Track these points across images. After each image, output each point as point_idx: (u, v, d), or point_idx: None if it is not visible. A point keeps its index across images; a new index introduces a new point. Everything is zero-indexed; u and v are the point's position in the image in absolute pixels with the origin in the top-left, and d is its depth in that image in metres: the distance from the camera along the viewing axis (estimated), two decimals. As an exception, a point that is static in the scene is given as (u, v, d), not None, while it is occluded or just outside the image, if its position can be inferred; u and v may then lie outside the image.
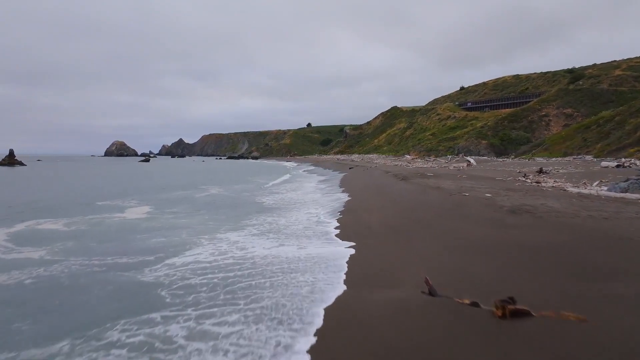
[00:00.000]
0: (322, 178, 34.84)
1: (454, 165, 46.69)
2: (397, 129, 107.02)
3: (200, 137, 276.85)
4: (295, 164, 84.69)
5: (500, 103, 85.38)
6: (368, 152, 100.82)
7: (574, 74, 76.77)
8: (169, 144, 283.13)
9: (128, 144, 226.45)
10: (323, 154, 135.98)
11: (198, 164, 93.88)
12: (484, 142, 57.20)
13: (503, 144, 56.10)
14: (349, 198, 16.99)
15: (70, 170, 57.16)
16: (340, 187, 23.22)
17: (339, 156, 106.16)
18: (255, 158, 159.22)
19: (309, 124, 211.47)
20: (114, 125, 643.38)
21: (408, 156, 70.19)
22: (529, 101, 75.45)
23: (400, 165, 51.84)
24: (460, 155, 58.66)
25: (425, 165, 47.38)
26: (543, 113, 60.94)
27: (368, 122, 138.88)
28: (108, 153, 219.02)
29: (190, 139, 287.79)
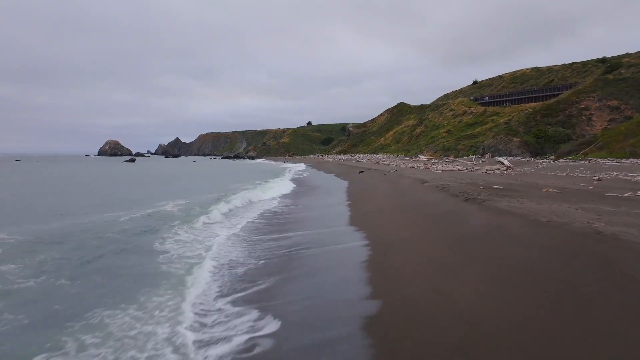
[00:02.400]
0: (317, 185, 25.86)
1: (487, 167, 37.69)
2: (405, 126, 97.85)
3: (197, 136, 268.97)
4: (293, 165, 75.67)
5: (523, 97, 76.22)
6: (374, 152, 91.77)
7: (609, 63, 67.55)
8: (166, 144, 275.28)
9: (124, 144, 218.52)
10: (324, 153, 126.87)
11: (186, 165, 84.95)
12: (515, 139, 48.08)
13: (539, 142, 46.98)
14: (369, 254, 8.01)
15: (28, 174, 48.21)
16: (349, 211, 14.15)
17: (341, 156, 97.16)
18: (252, 158, 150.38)
19: (309, 123, 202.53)
20: (112, 124, 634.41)
21: (422, 156, 61.15)
22: (558, 94, 66.47)
23: (418, 167, 42.85)
24: (487, 155, 49.63)
25: (450, 169, 38.37)
26: (582, 106, 51.81)
27: (373, 120, 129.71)
28: (101, 152, 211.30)
29: (188, 138, 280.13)
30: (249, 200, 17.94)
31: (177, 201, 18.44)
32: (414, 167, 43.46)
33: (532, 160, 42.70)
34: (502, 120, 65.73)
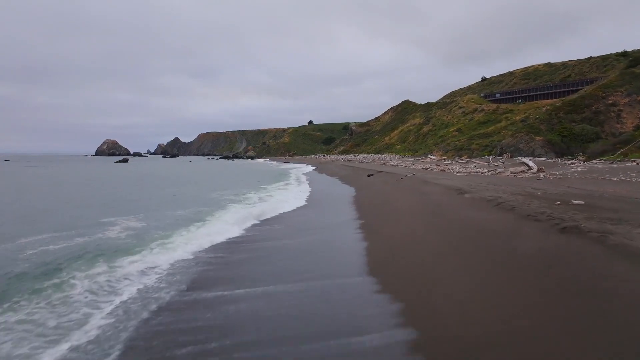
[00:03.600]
0: (316, 191, 21.19)
1: (511, 169, 33.14)
2: (411, 124, 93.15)
3: (197, 135, 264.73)
4: (293, 166, 71.20)
5: (539, 93, 71.57)
6: (378, 152, 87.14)
7: (631, 57, 62.80)
8: (165, 143, 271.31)
9: (125, 143, 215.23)
10: (326, 153, 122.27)
11: (180, 166, 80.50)
12: (538, 138, 43.39)
13: (564, 141, 42.32)
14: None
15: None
16: (363, 238, 9.57)
17: (344, 156, 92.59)
18: (252, 158, 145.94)
19: (310, 122, 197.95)
20: (112, 124, 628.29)
21: (432, 156, 56.51)
22: (577, 89, 61.83)
23: (431, 169, 38.32)
24: (505, 155, 45.00)
25: (469, 171, 33.81)
26: (610, 101, 47.12)
27: (376, 118, 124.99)
28: (99, 152, 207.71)
29: (188, 138, 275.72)
30: (228, 222, 13.29)
31: (134, 221, 13.90)
32: (426, 168, 38.92)
33: (559, 161, 38.06)
34: (517, 117, 61.13)
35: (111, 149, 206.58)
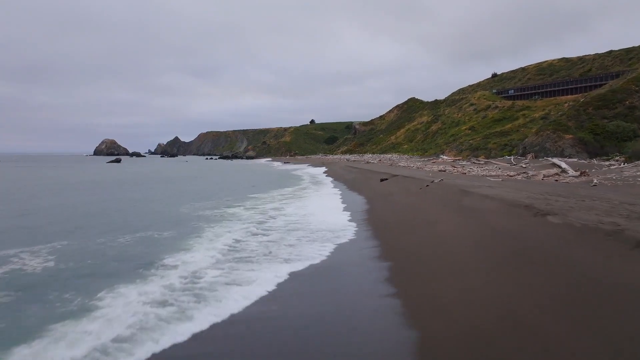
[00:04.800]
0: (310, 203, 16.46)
1: (544, 172, 28.45)
2: (418, 123, 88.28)
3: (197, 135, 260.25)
4: (294, 167, 66.59)
5: (557, 89, 66.62)
6: (384, 152, 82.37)
7: (660, 49, 58.05)
8: (165, 143, 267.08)
9: (126, 143, 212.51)
10: (328, 153, 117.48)
11: (173, 167, 75.96)
12: (567, 136, 38.58)
13: (597, 140, 37.54)
14: None
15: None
16: (409, 334, 4.95)
17: (348, 156, 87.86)
18: (251, 157, 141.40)
19: (312, 121, 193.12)
20: (114, 123, 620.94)
21: (444, 157, 51.79)
22: (602, 84, 56.97)
23: (448, 170, 33.64)
24: (529, 155, 40.26)
25: (494, 172, 29.15)
26: (645, 95, 42.34)
27: (381, 117, 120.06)
28: (97, 152, 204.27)
29: (189, 137, 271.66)
30: (191, 265, 8.63)
31: (40, 258, 9.39)
32: (443, 170, 34.25)
33: (595, 162, 33.31)
34: (536, 114, 56.42)
35: (110, 149, 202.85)
